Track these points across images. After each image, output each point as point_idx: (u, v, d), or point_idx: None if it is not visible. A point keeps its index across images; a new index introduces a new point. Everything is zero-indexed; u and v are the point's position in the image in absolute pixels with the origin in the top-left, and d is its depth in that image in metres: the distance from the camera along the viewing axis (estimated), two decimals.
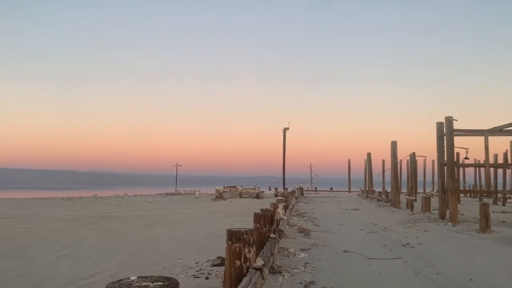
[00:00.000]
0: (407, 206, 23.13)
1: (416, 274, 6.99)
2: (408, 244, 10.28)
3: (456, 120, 17.08)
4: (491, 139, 17.29)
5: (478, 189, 39.03)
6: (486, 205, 12.95)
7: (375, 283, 6.44)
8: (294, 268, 7.03)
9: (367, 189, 41.29)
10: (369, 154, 40.65)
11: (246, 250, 4.50)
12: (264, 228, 6.85)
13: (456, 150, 18.70)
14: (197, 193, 55.39)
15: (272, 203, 11.18)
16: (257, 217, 6.94)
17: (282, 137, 51.26)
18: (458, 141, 18.03)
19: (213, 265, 7.27)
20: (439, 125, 17.79)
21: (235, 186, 48.37)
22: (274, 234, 7.27)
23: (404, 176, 38.99)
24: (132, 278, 2.29)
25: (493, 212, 15.33)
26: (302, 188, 46.74)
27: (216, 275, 6.36)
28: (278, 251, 7.77)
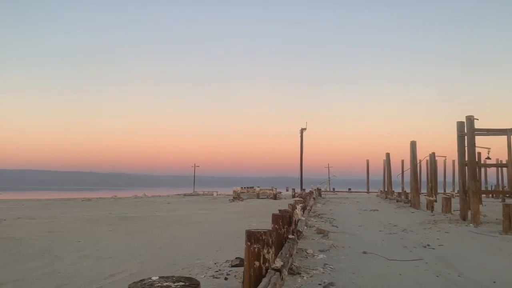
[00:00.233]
0: (427, 207, 22.80)
1: (437, 276, 6.88)
2: (428, 245, 10.13)
3: (477, 119, 16.77)
4: None
5: (501, 189, 38.22)
6: (510, 206, 12.67)
7: (395, 285, 6.37)
8: (313, 269, 7.01)
9: (386, 189, 40.84)
10: (388, 154, 40.19)
11: (265, 251, 4.50)
12: (283, 229, 6.84)
13: (477, 150, 18.37)
14: (215, 194, 55.68)
15: (290, 204, 11.16)
16: (275, 218, 6.94)
17: (299, 138, 51.14)
18: (480, 140, 17.72)
19: (232, 266, 7.30)
20: (460, 125, 17.48)
21: (253, 187, 48.44)
22: (293, 235, 7.25)
23: (423, 177, 38.47)
24: (154, 278, 2.32)
25: None
26: (320, 189, 46.48)
27: (235, 275, 6.39)
28: (296, 252, 7.76)
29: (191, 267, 7.73)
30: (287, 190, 54.44)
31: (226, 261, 7.89)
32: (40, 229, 14.03)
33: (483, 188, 33.78)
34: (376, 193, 48.84)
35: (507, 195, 30.24)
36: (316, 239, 10.73)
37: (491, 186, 43.69)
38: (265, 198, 40.69)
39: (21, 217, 19.20)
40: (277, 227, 6.79)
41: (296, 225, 9.07)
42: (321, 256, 8.35)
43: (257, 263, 4.47)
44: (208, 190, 65.91)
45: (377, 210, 23.29)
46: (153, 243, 11.01)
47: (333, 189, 63.48)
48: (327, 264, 7.55)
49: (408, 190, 31.55)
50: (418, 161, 28.57)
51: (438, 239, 11.32)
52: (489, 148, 20.72)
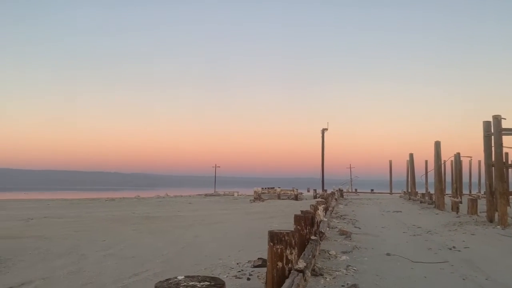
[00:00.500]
0: (452, 209, 22.34)
1: (463, 279, 6.74)
2: (454, 247, 9.92)
3: (505, 119, 16.33)
4: None
5: None
6: None
7: None
8: (336, 271, 6.95)
9: (409, 190, 40.20)
10: (411, 155, 39.55)
11: (288, 251, 4.50)
12: (305, 230, 6.81)
13: (505, 150, 17.88)
14: (235, 194, 55.86)
15: (312, 205, 11.11)
16: (297, 219, 6.92)
17: (320, 138, 50.82)
18: (507, 140, 17.24)
19: (254, 266, 7.31)
20: (486, 124, 17.06)
21: (273, 187, 48.37)
22: (315, 236, 7.22)
23: (448, 177, 37.65)
24: (180, 277, 2.35)
25: None
26: (342, 190, 46.11)
27: (258, 276, 6.40)
28: (319, 253, 7.72)
29: (214, 267, 7.78)
30: (308, 191, 54.24)
31: (248, 261, 7.91)
32: (67, 228, 14.37)
33: (510, 189, 32.91)
34: (399, 194, 48.13)
35: None
36: (339, 241, 10.65)
37: None
38: (286, 199, 40.60)
39: (48, 216, 19.69)
40: (299, 228, 6.77)
41: (318, 226, 9.03)
42: (344, 257, 8.29)
43: (280, 264, 4.47)
44: (228, 191, 66.21)
45: (401, 211, 22.96)
46: (176, 243, 11.13)
47: (355, 190, 62.92)
48: (350, 265, 7.48)
49: (432, 191, 30.99)
50: (442, 162, 28.02)
51: (464, 241, 11.08)
52: None
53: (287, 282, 4.14)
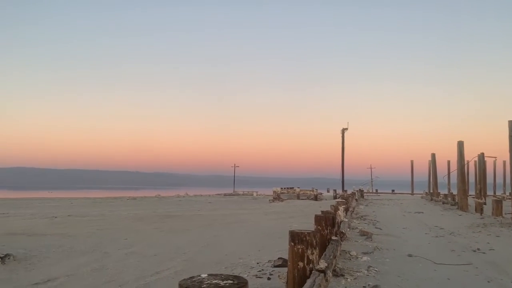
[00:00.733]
0: (475, 210, 21.88)
1: (488, 282, 6.59)
2: (478, 249, 9.71)
3: None
4: None
5: None
6: None
7: None
8: (357, 272, 6.90)
9: (431, 191, 39.55)
10: (433, 155, 38.91)
11: (309, 251, 4.48)
12: (326, 231, 6.77)
13: None
14: (255, 194, 55.99)
15: (332, 205, 11.04)
16: (318, 219, 6.89)
17: (340, 138, 50.43)
18: None
19: (274, 266, 7.31)
20: None
21: (293, 188, 48.31)
22: (336, 236, 7.17)
23: (471, 178, 36.96)
24: (203, 275, 2.37)
25: None
26: (362, 190, 45.68)
27: (279, 275, 6.39)
28: (340, 254, 7.67)
29: (234, 266, 7.82)
30: (328, 191, 53.87)
31: (269, 261, 7.91)
32: (90, 227, 14.64)
33: None
34: (420, 195, 47.40)
35: None
36: (360, 241, 10.55)
37: None
38: (305, 199, 40.48)
39: (71, 215, 20.10)
40: (320, 228, 6.73)
41: (339, 226, 8.96)
42: (365, 258, 8.21)
43: (301, 264, 4.46)
44: (248, 190, 66.38)
45: (422, 212, 22.60)
46: (196, 242, 11.21)
47: (376, 190, 62.26)
48: (371, 266, 7.41)
49: (454, 192, 30.41)
50: (465, 162, 27.45)
51: (488, 243, 10.83)
52: None
53: (309, 282, 4.12)
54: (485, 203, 24.16)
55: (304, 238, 4.49)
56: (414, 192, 54.94)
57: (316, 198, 40.77)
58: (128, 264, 8.32)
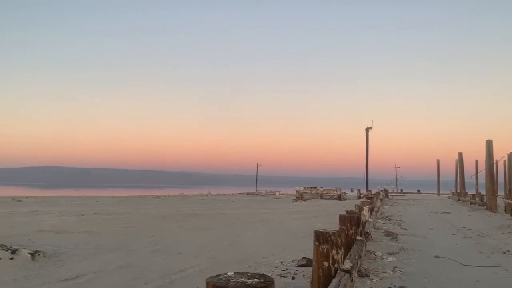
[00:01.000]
0: (505, 210, 21.26)
1: None
2: (508, 251, 9.44)
3: None
4: None
5: None
6: None
7: None
8: (382, 272, 6.81)
9: (458, 191, 38.67)
10: (460, 154, 38.01)
11: (334, 251, 4.44)
12: (350, 231, 6.71)
13: None
14: (277, 193, 55.90)
15: (357, 205, 10.93)
16: (342, 219, 6.82)
17: (365, 137, 49.85)
18: None
19: (298, 265, 7.29)
20: None
21: (316, 187, 47.96)
22: (361, 236, 7.09)
23: (500, 178, 35.98)
24: (229, 273, 2.38)
25: None
26: (387, 190, 45.02)
27: (303, 275, 6.37)
28: (364, 254, 7.58)
29: (258, 265, 7.83)
30: (352, 191, 53.35)
31: (293, 260, 7.89)
32: (116, 225, 14.92)
33: None
34: (447, 195, 46.39)
35: None
36: (385, 242, 10.41)
37: None
38: (328, 199, 40.16)
39: (98, 213, 20.51)
40: (345, 228, 6.67)
41: (363, 226, 8.86)
42: (390, 258, 8.10)
43: (326, 264, 4.42)
44: (270, 190, 66.33)
45: (449, 212, 22.12)
46: (220, 240, 11.28)
47: (401, 190, 61.24)
48: (397, 267, 7.30)
49: (483, 192, 29.64)
50: (494, 161, 26.74)
51: None
52: None
53: (334, 282, 4.09)
54: None
55: (329, 238, 4.45)
56: (440, 192, 53.82)
57: (339, 197, 40.41)
58: (153, 261, 8.44)
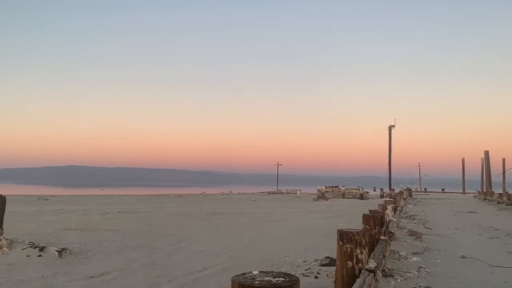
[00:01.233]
0: None
1: None
2: None
3: None
4: None
5: None
6: None
7: None
8: (407, 272, 6.70)
9: (484, 190, 37.80)
10: (487, 152, 37.17)
11: (358, 251, 4.40)
12: (374, 230, 6.62)
13: None
14: (298, 193, 55.73)
15: (380, 204, 10.80)
16: (366, 218, 6.75)
17: (387, 135, 49.20)
18: None
19: (321, 265, 7.25)
20: None
21: (338, 186, 47.65)
22: (384, 236, 7.00)
23: None
24: (254, 272, 2.38)
25: None
26: (410, 189, 44.35)
27: (327, 274, 6.33)
28: (388, 254, 7.48)
29: (280, 264, 7.83)
30: (374, 190, 52.77)
31: (315, 260, 7.85)
32: (140, 223, 15.14)
33: None
34: (473, 194, 45.40)
35: None
36: (409, 241, 10.25)
37: None
38: (350, 198, 39.82)
39: (122, 211, 20.86)
40: (368, 227, 6.59)
41: (387, 226, 8.75)
42: (414, 258, 7.97)
43: (350, 263, 4.39)
44: (291, 189, 66.18)
45: (475, 212, 21.62)
46: (242, 239, 11.32)
47: (425, 189, 60.26)
48: (421, 267, 7.18)
49: (510, 191, 28.89)
50: None
51: None
52: None
53: (358, 281, 4.05)
54: None
55: (353, 238, 4.41)
56: (465, 191, 52.71)
57: (362, 197, 40.03)
58: (176, 259, 8.54)
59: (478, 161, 44.14)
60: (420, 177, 67.73)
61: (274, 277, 2.30)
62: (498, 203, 28.45)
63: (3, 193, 10.06)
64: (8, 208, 9.68)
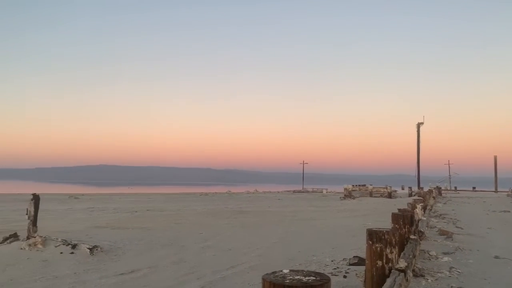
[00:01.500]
0: None
1: None
2: None
3: None
4: None
5: None
6: None
7: None
8: (438, 272, 6.56)
9: None
10: None
11: (388, 250, 4.33)
12: (404, 229, 6.50)
13: None
14: (324, 191, 55.34)
15: (409, 203, 10.58)
16: (395, 217, 6.63)
17: (415, 133, 48.26)
18: None
19: (350, 264, 7.18)
20: None
21: (365, 185, 47.00)
22: (414, 235, 6.87)
23: None
24: (285, 271, 2.37)
25: None
26: (440, 188, 43.37)
27: (356, 274, 6.27)
28: (418, 254, 7.34)
29: (308, 263, 7.79)
30: (402, 189, 51.90)
31: (343, 259, 7.78)
32: (168, 221, 15.36)
33: None
34: (506, 193, 44.00)
35: None
36: (439, 241, 10.03)
37: None
38: (378, 197, 39.23)
39: (150, 209, 21.22)
40: (397, 226, 6.47)
41: (417, 225, 8.58)
42: (445, 258, 7.79)
43: (379, 263, 4.32)
44: (317, 188, 65.78)
45: (509, 211, 20.95)
46: (268, 238, 11.32)
47: (455, 187, 58.82)
48: (453, 267, 7.01)
49: None
50: None
51: None
52: None
53: (388, 281, 3.99)
54: None
55: (383, 237, 4.34)
56: (498, 190, 51.16)
57: (390, 195, 39.37)
58: (204, 257, 8.62)
59: (511, 158, 42.75)
60: (449, 175, 66.25)
61: (305, 276, 2.29)
62: None
63: (36, 192, 10.37)
64: (41, 207, 9.97)
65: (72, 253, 8.62)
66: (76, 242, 9.16)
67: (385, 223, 8.79)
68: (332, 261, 7.79)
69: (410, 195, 38.78)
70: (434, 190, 34.72)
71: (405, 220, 6.57)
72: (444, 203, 27.10)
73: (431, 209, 18.05)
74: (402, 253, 5.41)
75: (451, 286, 5.83)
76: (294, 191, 58.03)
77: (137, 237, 11.12)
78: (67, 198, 33.22)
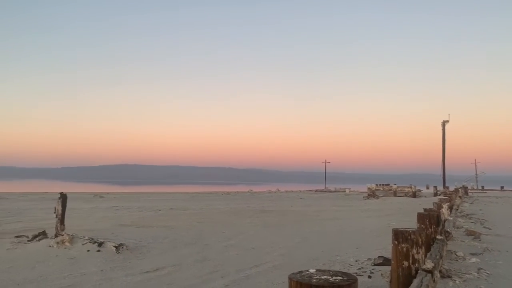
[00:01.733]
0: None
1: None
2: None
3: None
4: None
5: None
6: None
7: None
8: (466, 273, 6.42)
9: None
10: None
11: (414, 251, 4.27)
12: (430, 229, 6.38)
13: None
14: (347, 191, 54.90)
15: (435, 203, 10.39)
16: (421, 217, 6.51)
17: (441, 131, 47.32)
18: None
19: (375, 264, 7.10)
20: None
21: (389, 184, 46.36)
22: (441, 235, 6.74)
23: None
24: (311, 270, 2.37)
25: None
26: (466, 187, 42.41)
27: (381, 274, 6.19)
28: (445, 254, 7.20)
29: (332, 262, 7.74)
30: (427, 188, 50.94)
31: (368, 259, 7.70)
32: (191, 220, 15.50)
33: None
34: None
35: None
36: (466, 241, 9.80)
37: None
38: (402, 196, 38.66)
39: (173, 208, 21.46)
40: (423, 226, 6.36)
41: (443, 225, 8.42)
42: (473, 259, 7.61)
43: (406, 263, 4.26)
44: (339, 187, 65.29)
45: None
46: (291, 237, 11.29)
47: (482, 187, 57.42)
48: (481, 268, 6.84)
49: None
50: None
51: None
52: None
53: (415, 282, 3.93)
54: None
55: (409, 237, 4.28)
56: None
57: (414, 195, 38.75)
58: (228, 256, 8.66)
59: None
60: (476, 174, 64.73)
61: (332, 276, 2.27)
62: None
63: (62, 190, 10.63)
64: (68, 205, 10.20)
65: (98, 251, 8.79)
66: (102, 240, 9.35)
67: (410, 223, 8.64)
68: (356, 261, 7.72)
69: (435, 194, 38.06)
70: (460, 190, 33.99)
71: (431, 220, 6.45)
72: (471, 203, 26.48)
73: (457, 209, 17.67)
74: (428, 254, 5.32)
75: None
76: (316, 191, 57.74)
77: (161, 236, 11.26)
78: (92, 197, 33.91)
